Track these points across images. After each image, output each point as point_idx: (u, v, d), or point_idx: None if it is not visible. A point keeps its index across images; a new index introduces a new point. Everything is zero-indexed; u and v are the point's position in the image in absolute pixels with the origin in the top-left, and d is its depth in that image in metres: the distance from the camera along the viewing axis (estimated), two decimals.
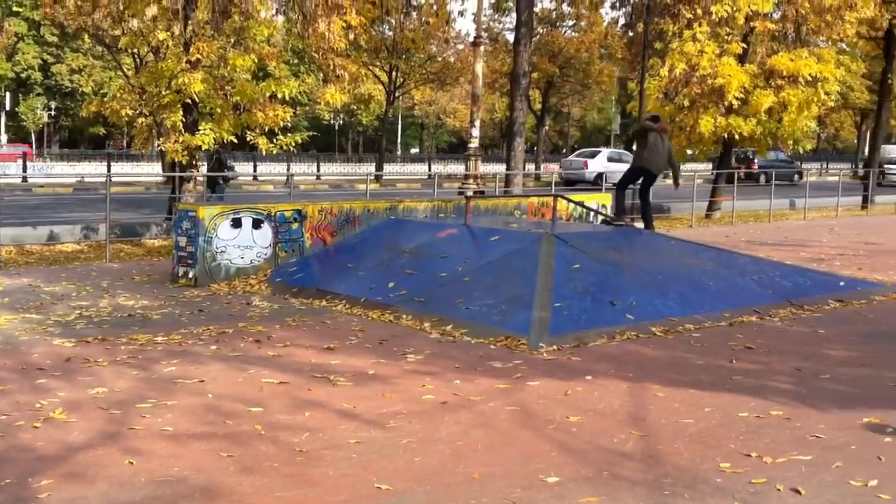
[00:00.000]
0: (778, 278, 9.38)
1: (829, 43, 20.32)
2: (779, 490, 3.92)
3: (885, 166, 34.49)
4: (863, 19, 19.60)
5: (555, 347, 6.65)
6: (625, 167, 27.94)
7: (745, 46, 18.88)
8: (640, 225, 11.19)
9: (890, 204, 24.28)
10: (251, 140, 13.31)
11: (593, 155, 32.23)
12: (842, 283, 9.64)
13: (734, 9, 17.26)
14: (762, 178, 24.25)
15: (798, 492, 3.90)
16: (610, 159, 31.49)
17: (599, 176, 28.31)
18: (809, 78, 18.11)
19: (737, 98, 17.78)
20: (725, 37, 18.46)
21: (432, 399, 5.34)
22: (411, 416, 5.00)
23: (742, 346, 6.86)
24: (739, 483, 4.00)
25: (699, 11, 17.43)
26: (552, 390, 5.56)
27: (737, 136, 18.73)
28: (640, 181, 11.10)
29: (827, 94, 18.76)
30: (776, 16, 19.14)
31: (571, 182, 28.21)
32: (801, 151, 23.15)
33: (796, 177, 35.41)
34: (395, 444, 4.52)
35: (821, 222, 19.62)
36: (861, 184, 25.78)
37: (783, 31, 19.01)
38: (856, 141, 57.67)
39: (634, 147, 12.17)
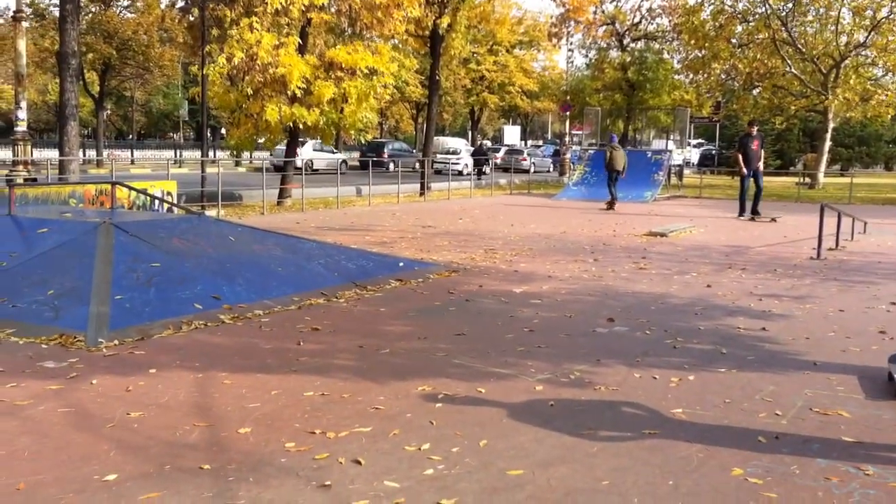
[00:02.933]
0: (344, 261, 9.74)
1: (382, 39, 21.62)
2: (341, 463, 4.04)
3: (438, 156, 37.80)
4: (411, 18, 21.13)
5: (116, 342, 6.26)
6: (326, 156, 32.50)
7: (301, 42, 19.36)
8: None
9: (444, 190, 26.52)
10: None
11: (301, 144, 36.51)
12: (401, 264, 10.26)
13: (288, 1, 17.62)
14: (391, 166, 25.87)
15: (359, 462, 4.05)
16: (314, 149, 38.07)
17: (308, 163, 33.90)
18: (366, 71, 19.11)
19: (300, 88, 18.21)
20: (285, 26, 18.79)
21: None
22: None
23: (309, 328, 7.00)
24: (303, 460, 4.06)
25: (255, 3, 17.53)
26: (112, 387, 5.21)
27: (301, 126, 19.20)
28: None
29: (384, 86, 19.94)
30: (333, 10, 19.90)
31: (280, 168, 28.58)
32: (362, 141, 24.37)
33: (417, 164, 38.42)
34: None
35: (384, 208, 20.83)
36: (419, 172, 27.86)
37: (339, 25, 19.83)
38: (414, 132, 62.24)
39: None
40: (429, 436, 4.45)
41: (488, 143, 56.04)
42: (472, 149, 44.47)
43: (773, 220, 18.29)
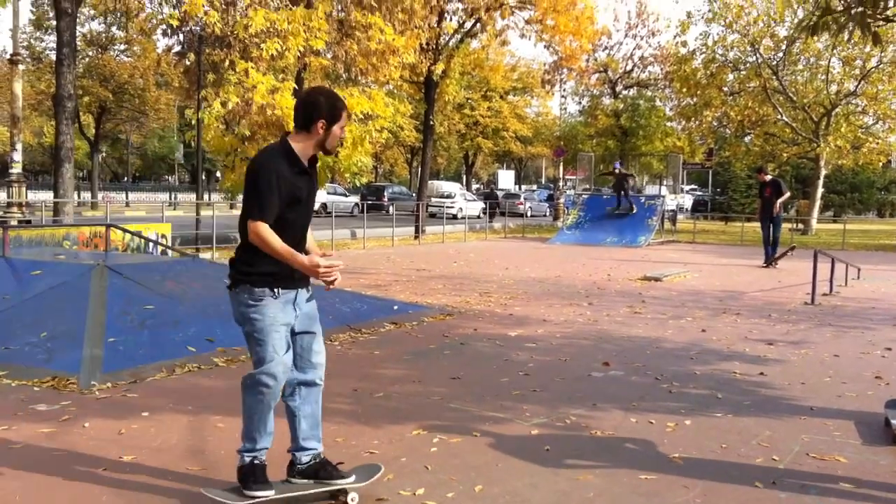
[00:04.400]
0: (338, 304, 9.71)
1: (378, 84, 21.79)
2: None
3: (433, 199, 37.99)
4: (406, 64, 21.32)
5: (109, 385, 6.21)
6: (341, 199, 35.03)
7: (297, 87, 19.51)
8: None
9: (438, 234, 26.57)
10: None
11: None
12: (396, 307, 10.24)
13: (284, 47, 17.80)
14: (391, 209, 26.31)
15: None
16: (328, 192, 38.36)
17: (323, 206, 34.99)
18: (362, 115, 19.24)
19: None
20: (282, 71, 18.95)
21: None
22: None
23: None
24: None
25: (251, 49, 17.68)
26: (105, 430, 5.17)
27: None
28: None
29: (379, 130, 20.06)
30: (329, 55, 20.08)
31: None
32: (357, 185, 24.47)
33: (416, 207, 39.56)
34: None
35: (379, 251, 20.84)
36: (414, 215, 27.92)
37: (335, 71, 20.01)
38: (409, 176, 62.55)
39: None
40: (424, 480, 4.41)
41: (495, 188, 56.69)
42: (486, 193, 45.01)
43: (793, 248, 18.01)
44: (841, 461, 4.91)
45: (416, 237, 25.80)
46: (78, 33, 27.93)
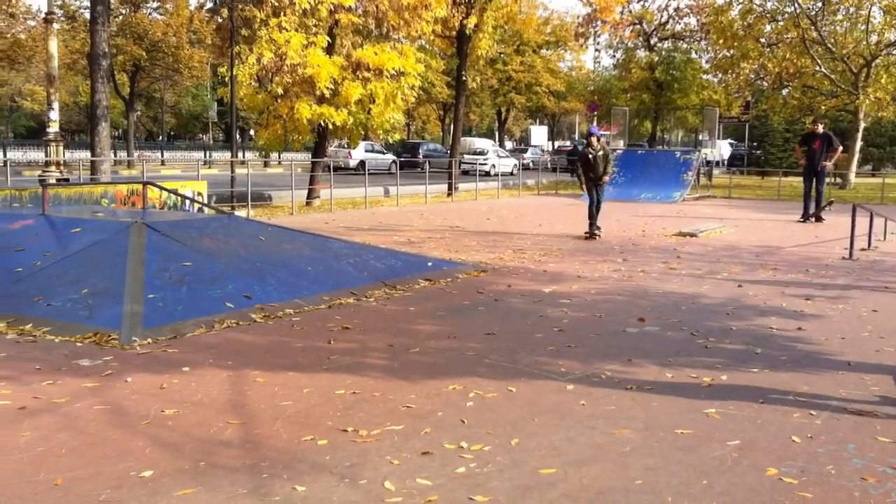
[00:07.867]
0: (373, 261, 9.77)
1: (409, 40, 21.64)
2: (374, 460, 4.05)
3: (466, 156, 37.82)
4: (438, 18, 21.13)
5: (149, 341, 6.32)
6: (378, 157, 32.47)
7: (330, 41, 19.44)
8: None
9: (471, 191, 26.50)
10: None
11: (348, 146, 39.02)
12: (430, 264, 10.27)
13: (316, 1, 17.70)
14: (426, 166, 26.29)
15: (391, 461, 4.05)
16: (366, 150, 38.28)
17: (361, 163, 34.88)
18: (393, 72, 19.14)
19: (328, 88, 18.28)
20: (313, 27, 18.88)
21: (8, 405, 4.80)
22: None
23: (340, 327, 7.03)
24: (336, 458, 4.08)
25: (285, 1, 17.62)
26: (147, 385, 5.27)
27: (330, 126, 19.28)
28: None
29: (411, 87, 19.97)
30: (360, 11, 19.95)
31: (337, 169, 29.72)
32: (390, 141, 24.40)
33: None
34: None
35: (412, 208, 20.85)
36: (446, 172, 27.87)
37: (366, 26, 19.89)
38: (441, 133, 62.29)
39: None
40: (460, 434, 4.45)
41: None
42: (569, 150, 44.87)
43: (831, 202, 17.91)
44: (879, 416, 4.89)
45: (449, 194, 25.75)
46: None
